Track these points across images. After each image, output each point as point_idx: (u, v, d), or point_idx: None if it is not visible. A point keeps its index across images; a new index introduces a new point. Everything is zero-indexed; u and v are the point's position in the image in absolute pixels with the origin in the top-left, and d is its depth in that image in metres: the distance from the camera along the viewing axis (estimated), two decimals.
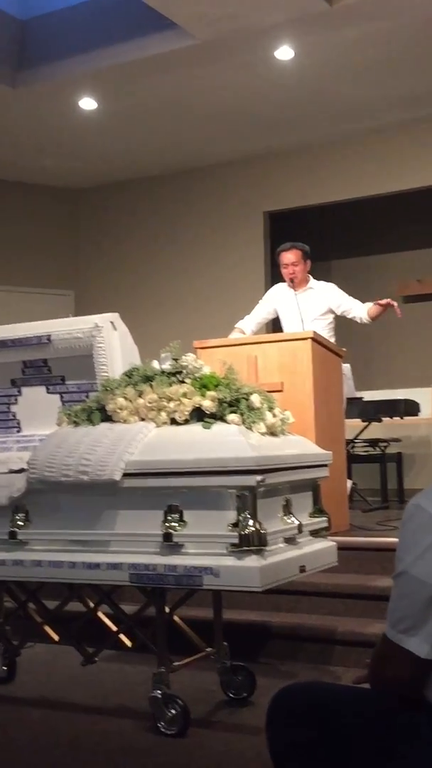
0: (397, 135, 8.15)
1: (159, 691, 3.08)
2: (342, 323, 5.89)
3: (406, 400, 6.91)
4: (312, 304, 5.63)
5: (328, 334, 5.60)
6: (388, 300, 5.48)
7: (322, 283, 5.78)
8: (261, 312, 5.86)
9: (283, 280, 5.72)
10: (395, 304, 5.45)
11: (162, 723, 3.06)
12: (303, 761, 1.58)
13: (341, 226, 9.60)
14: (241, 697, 3.43)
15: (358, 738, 1.58)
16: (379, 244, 9.59)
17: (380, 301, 5.48)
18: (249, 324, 5.82)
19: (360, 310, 5.57)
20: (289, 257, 5.66)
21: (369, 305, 5.56)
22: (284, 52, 6.68)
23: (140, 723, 3.17)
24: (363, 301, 5.60)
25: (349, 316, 5.66)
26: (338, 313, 5.67)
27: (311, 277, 5.76)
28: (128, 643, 3.42)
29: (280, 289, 5.77)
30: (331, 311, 5.67)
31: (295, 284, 5.67)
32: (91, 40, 6.82)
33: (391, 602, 1.54)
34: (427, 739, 1.44)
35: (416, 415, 7.12)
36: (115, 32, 6.74)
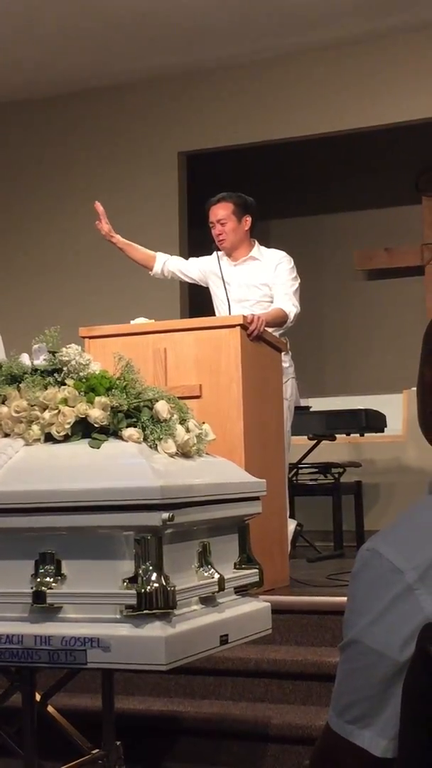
0: (359, 53, 8.28)
1: None
2: None
3: (368, 411, 7.01)
4: (252, 281, 5.65)
5: None
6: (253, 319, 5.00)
7: (272, 251, 5.80)
8: (190, 265, 5.89)
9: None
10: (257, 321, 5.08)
11: None
12: None
13: (283, 175, 9.71)
14: None
15: None
16: (334, 199, 9.73)
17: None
18: (170, 262, 5.88)
19: (284, 301, 5.55)
20: (216, 212, 5.68)
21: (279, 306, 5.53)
22: None
23: None
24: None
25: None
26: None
27: (256, 244, 5.78)
28: None
29: (214, 258, 5.74)
30: None
31: (227, 250, 5.68)
32: None
33: (338, 682, 1.55)
34: None
35: (382, 430, 7.24)
36: None
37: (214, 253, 5.72)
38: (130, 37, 8.12)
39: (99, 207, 5.71)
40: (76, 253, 8.90)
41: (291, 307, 5.50)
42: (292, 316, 5.48)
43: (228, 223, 5.65)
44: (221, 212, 5.66)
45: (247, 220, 5.68)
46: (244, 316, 4.89)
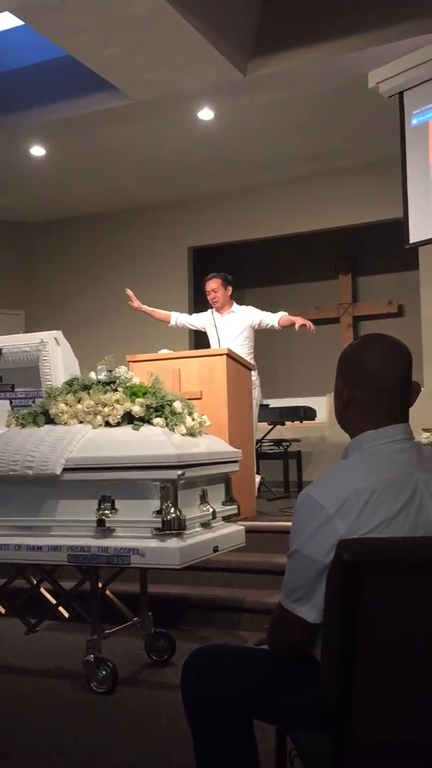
0: (298, 186, 8.27)
1: (92, 656, 3.05)
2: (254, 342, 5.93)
3: (305, 407, 7.00)
4: (233, 325, 5.65)
5: (247, 350, 5.63)
6: (304, 322, 5.52)
7: (243, 307, 5.80)
8: (194, 318, 5.90)
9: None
10: (309, 324, 5.50)
11: (94, 683, 3.03)
12: (212, 713, 1.58)
13: (252, 261, 9.69)
14: (163, 659, 3.41)
15: (257, 689, 1.59)
16: (283, 276, 9.71)
17: (297, 321, 5.52)
18: (180, 318, 5.87)
19: (272, 319, 5.61)
20: (210, 285, 5.69)
21: (281, 315, 5.62)
22: (206, 114, 6.73)
23: (76, 683, 3.13)
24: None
25: (266, 327, 5.69)
26: (257, 328, 5.70)
27: (234, 303, 5.78)
28: (66, 614, 3.38)
29: (209, 313, 5.77)
30: (252, 328, 5.68)
31: (218, 308, 5.69)
32: (43, 96, 6.76)
33: (286, 576, 1.56)
34: (312, 687, 1.46)
35: (313, 419, 7.22)
36: (63, 91, 6.68)
37: (209, 310, 5.74)
38: (154, 175, 8.12)
39: (129, 292, 5.76)
40: (121, 308, 8.83)
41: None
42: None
43: (219, 292, 5.66)
44: (214, 285, 5.68)
45: (229, 289, 5.71)
46: (228, 349, 4.89)
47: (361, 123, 6.94)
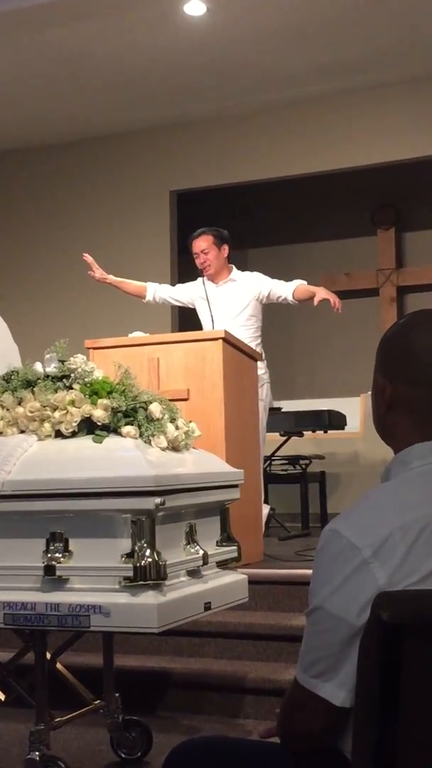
0: (324, 108, 8.29)
1: (37, 753, 3.04)
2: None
3: (330, 412, 7.02)
4: (232, 299, 5.65)
5: (252, 333, 5.63)
6: (327, 295, 5.52)
7: (246, 273, 5.80)
8: (178, 291, 5.91)
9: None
10: (334, 298, 5.51)
11: None
12: None
13: (259, 210, 9.71)
14: (134, 757, 3.41)
15: None
16: (302, 231, 9.74)
17: (318, 293, 5.53)
18: (158, 290, 5.88)
19: (286, 290, 5.62)
20: (199, 244, 5.70)
21: (297, 284, 5.62)
22: (195, 6, 6.73)
23: None
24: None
25: (276, 300, 5.70)
26: (265, 302, 5.70)
27: (234, 268, 5.79)
28: (1, 696, 3.38)
29: (199, 283, 5.77)
30: (258, 302, 5.68)
31: (211, 275, 5.69)
32: None
33: (304, 643, 1.56)
34: None
35: (342, 428, 7.24)
36: None
37: (200, 279, 5.74)
38: (127, 93, 8.11)
39: (88, 258, 5.79)
40: (81, 276, 8.80)
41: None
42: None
43: (210, 252, 5.68)
44: (203, 244, 5.69)
45: (225, 249, 5.72)
46: (225, 331, 4.90)
47: (408, 22, 6.95)
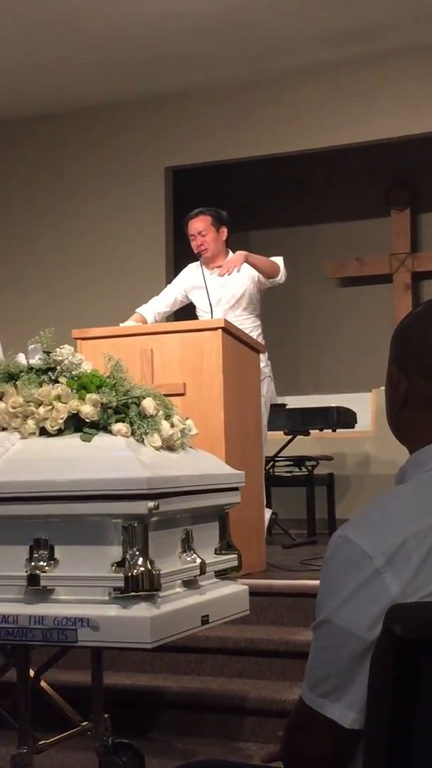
0: (334, 77, 8.28)
1: None
2: (261, 313, 5.95)
3: (339, 409, 7.02)
4: (232, 285, 5.66)
5: (252, 322, 5.65)
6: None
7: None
8: (169, 295, 5.89)
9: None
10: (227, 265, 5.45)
11: None
12: None
13: (262, 189, 9.71)
14: None
15: None
16: (308, 212, 9.73)
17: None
18: (153, 308, 5.85)
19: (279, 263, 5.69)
20: (195, 225, 5.72)
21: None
22: None
23: None
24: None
25: (266, 282, 5.72)
26: (260, 286, 5.71)
27: (231, 253, 5.79)
28: None
29: (194, 267, 5.78)
30: (255, 285, 5.68)
31: (208, 260, 5.70)
32: None
33: (310, 659, 1.55)
34: None
35: (352, 426, 7.25)
36: None
37: (196, 263, 5.76)
38: (119, 61, 8.10)
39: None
40: (69, 260, 8.88)
41: (281, 263, 5.65)
42: (282, 269, 5.65)
43: (208, 234, 5.70)
44: (200, 225, 5.71)
45: (224, 231, 5.75)
46: (225, 320, 4.91)
47: None
